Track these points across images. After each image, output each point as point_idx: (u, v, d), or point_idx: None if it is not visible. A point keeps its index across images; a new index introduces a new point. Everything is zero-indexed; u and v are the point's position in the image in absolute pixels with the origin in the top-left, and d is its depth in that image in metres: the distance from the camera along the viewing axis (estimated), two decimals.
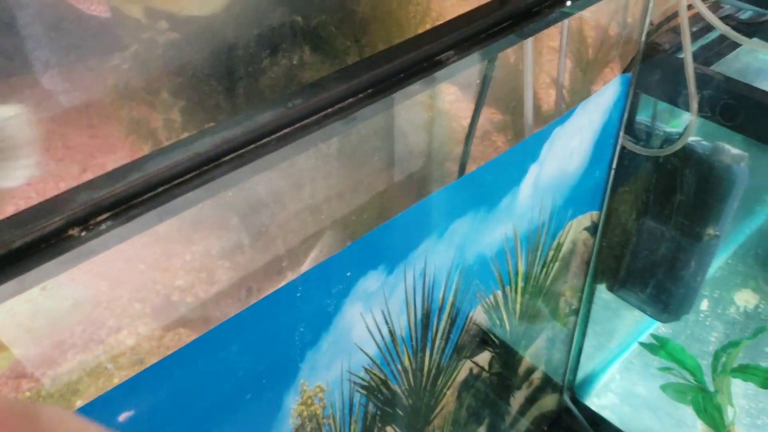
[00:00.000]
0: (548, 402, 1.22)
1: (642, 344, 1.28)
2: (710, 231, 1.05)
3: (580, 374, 1.31)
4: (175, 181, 0.46)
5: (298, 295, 0.60)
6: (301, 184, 0.90)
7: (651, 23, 0.80)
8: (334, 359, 0.69)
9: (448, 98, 1.21)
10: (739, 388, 1.20)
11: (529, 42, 0.70)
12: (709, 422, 1.14)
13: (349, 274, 0.64)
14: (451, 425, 0.96)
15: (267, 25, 0.73)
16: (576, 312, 1.09)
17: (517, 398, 1.11)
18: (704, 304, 1.48)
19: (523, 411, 1.15)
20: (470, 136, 0.72)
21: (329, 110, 0.50)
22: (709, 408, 1.14)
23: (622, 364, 1.38)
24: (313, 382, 0.69)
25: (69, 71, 0.85)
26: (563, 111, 0.78)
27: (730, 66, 0.88)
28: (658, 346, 1.25)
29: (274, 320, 0.60)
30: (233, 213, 0.89)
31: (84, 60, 0.93)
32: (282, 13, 0.70)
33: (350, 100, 0.51)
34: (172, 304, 1.14)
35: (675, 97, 0.85)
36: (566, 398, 1.24)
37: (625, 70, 0.86)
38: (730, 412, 1.18)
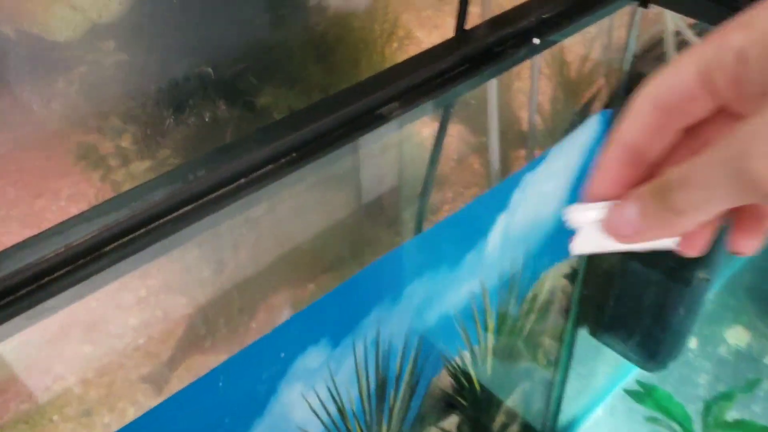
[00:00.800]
0: None
1: (627, 392, 1.20)
2: (701, 275, 0.96)
3: (562, 420, 1.23)
4: (47, 278, 0.37)
5: (220, 384, 0.51)
6: (220, 260, 0.80)
7: (634, 55, 0.72)
8: None
9: (417, 138, 1.11)
10: None
11: (492, 84, 0.61)
12: None
13: (282, 354, 0.55)
14: None
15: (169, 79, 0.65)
16: (556, 361, 1.01)
17: None
18: (693, 342, 1.39)
19: None
20: (426, 190, 0.63)
21: (242, 181, 0.41)
22: None
23: (605, 409, 1.30)
24: None
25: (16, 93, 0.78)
26: (536, 154, 0.70)
27: None
28: (644, 394, 1.16)
29: (191, 416, 0.51)
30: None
31: (31, 82, 0.84)
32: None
33: (269, 167, 0.42)
34: (124, 347, 1.04)
35: None
36: None
37: (607, 105, 0.77)
38: None
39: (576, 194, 0.78)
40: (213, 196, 0.40)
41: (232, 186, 0.41)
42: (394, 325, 0.65)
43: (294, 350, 0.56)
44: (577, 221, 0.29)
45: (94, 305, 0.88)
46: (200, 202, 0.40)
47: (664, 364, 1.05)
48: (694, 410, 1.20)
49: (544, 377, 1.02)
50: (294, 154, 0.43)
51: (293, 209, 0.89)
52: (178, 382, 1.04)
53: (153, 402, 0.99)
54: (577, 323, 1.03)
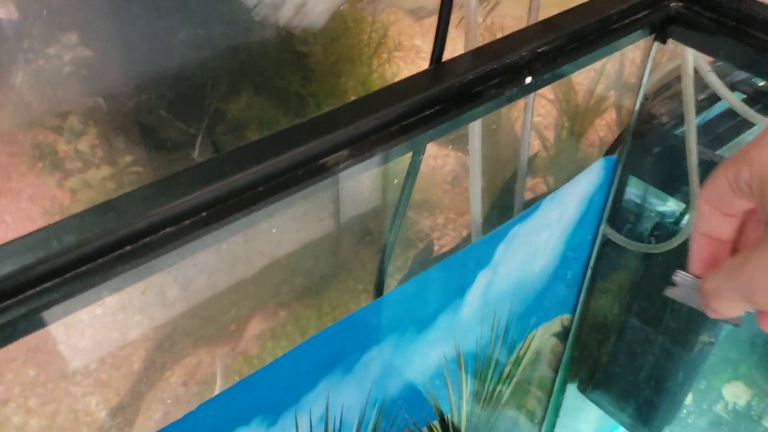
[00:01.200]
0: None
1: None
2: (704, 338, 0.87)
3: None
4: None
5: None
6: (184, 281, 0.71)
7: (645, 96, 0.62)
8: None
9: (429, 164, 1.02)
10: None
11: (475, 128, 0.52)
12: None
13: None
14: None
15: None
16: (540, 421, 0.91)
17: None
18: (688, 398, 1.29)
19: None
20: (388, 248, 0.53)
21: (128, 248, 0.32)
22: None
23: None
24: None
25: None
26: (524, 204, 0.60)
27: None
28: None
29: None
30: None
31: None
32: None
33: (170, 228, 0.33)
34: (72, 372, 0.95)
35: (672, 185, 0.67)
36: None
37: (609, 149, 0.68)
38: None
39: (571, 248, 0.68)
40: (148, 239, 0.31)
41: (105, 258, 0.31)
42: (347, 397, 0.55)
43: None
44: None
45: None
46: (143, 242, 0.31)
47: (658, 430, 0.95)
48: None
49: None
50: (204, 213, 0.34)
51: (264, 231, 0.80)
52: (126, 417, 0.94)
53: None
54: (567, 378, 0.93)
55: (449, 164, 1.01)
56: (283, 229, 0.82)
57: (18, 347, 0.76)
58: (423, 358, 0.60)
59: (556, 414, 0.95)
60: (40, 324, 0.30)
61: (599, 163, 0.64)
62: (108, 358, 0.95)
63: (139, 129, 0.91)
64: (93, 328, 0.90)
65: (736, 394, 1.26)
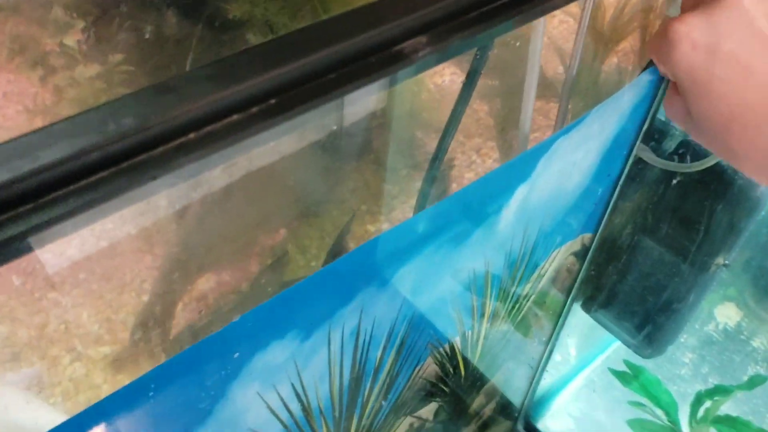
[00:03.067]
0: (499, 429, 1.04)
1: (612, 371, 1.11)
2: (720, 260, 0.85)
3: (539, 393, 1.14)
4: None
5: (150, 395, 0.38)
6: (182, 198, 0.67)
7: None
8: None
9: (436, 83, 0.97)
10: None
11: (540, 24, 0.47)
12: None
13: (236, 355, 0.42)
14: None
15: None
16: (547, 341, 0.90)
17: None
18: None
19: None
20: (437, 160, 0.49)
21: (192, 136, 0.28)
22: None
23: (584, 383, 1.21)
24: None
25: None
26: (568, 117, 0.57)
27: None
28: (631, 376, 1.07)
29: (112, 430, 0.38)
30: None
31: None
32: None
33: (237, 116, 0.29)
34: (59, 281, 0.91)
35: None
36: (520, 426, 1.07)
37: (650, 63, 0.64)
38: None
39: (606, 163, 0.65)
40: (211, 128, 0.27)
41: (173, 144, 0.27)
42: (379, 311, 0.52)
43: (252, 348, 0.43)
44: None
45: None
46: (129, 163, 0.26)
47: (662, 351, 0.95)
48: (678, 394, 1.12)
49: (531, 354, 0.92)
50: (272, 101, 0.30)
51: (264, 148, 0.75)
52: (122, 326, 0.91)
53: (91, 352, 0.85)
54: (574, 300, 0.92)
55: (456, 83, 0.96)
56: (283, 146, 0.77)
57: None
58: (454, 274, 0.58)
59: (559, 333, 0.94)
60: (92, 219, 0.26)
61: (645, 75, 0.60)
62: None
63: (131, 24, 0.84)
64: (80, 237, 0.86)
65: (727, 315, 1.28)
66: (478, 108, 0.89)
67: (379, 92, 0.75)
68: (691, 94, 0.44)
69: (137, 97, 0.27)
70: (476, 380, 0.79)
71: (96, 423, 0.36)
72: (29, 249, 0.26)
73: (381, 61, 0.32)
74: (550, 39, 0.77)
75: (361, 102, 0.74)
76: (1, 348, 0.78)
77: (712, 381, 1.18)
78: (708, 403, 1.03)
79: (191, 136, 0.28)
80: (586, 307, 0.97)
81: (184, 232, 0.77)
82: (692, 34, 0.42)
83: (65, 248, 0.83)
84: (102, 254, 0.85)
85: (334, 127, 0.78)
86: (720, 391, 1.04)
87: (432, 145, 0.92)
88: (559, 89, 0.83)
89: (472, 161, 0.88)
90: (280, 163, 0.77)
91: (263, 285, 0.71)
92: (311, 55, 0.30)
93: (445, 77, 0.92)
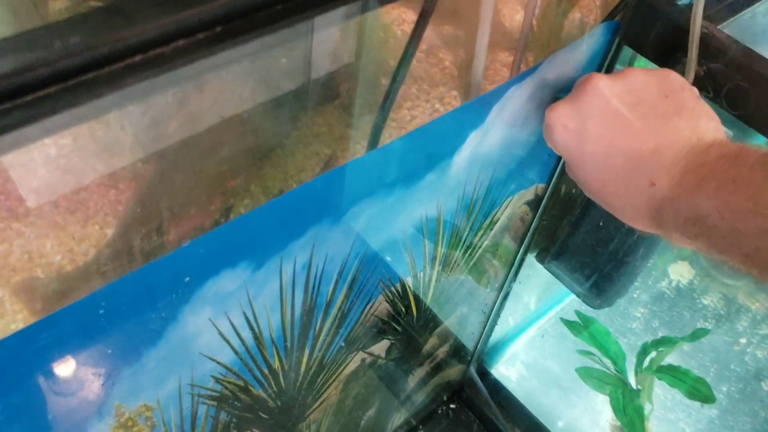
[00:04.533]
0: (452, 373, 1.08)
1: (564, 321, 1.15)
2: None
3: (492, 339, 1.18)
4: None
5: (101, 312, 0.40)
6: (141, 129, 0.67)
7: None
8: (168, 374, 0.50)
9: (404, 30, 0.96)
10: (665, 389, 1.09)
11: None
12: (627, 424, 1.02)
13: (187, 279, 0.44)
14: (332, 416, 0.80)
15: None
16: (500, 288, 0.93)
17: (417, 374, 0.96)
18: None
19: (421, 385, 1.01)
20: (389, 98, 0.51)
21: (139, 58, 0.29)
22: (629, 409, 1.02)
23: (537, 332, 1.25)
24: (135, 403, 0.50)
25: None
26: (521, 65, 0.58)
27: (745, 29, 0.69)
28: (581, 326, 1.11)
29: (63, 344, 0.40)
30: None
31: None
32: None
33: (183, 41, 0.30)
34: (22, 212, 0.91)
35: (668, 59, 0.66)
36: (472, 369, 1.11)
37: (608, 16, 0.65)
38: (647, 408, 1.07)
39: None
40: (160, 51, 0.28)
41: (120, 64, 0.28)
42: (331, 247, 0.54)
43: (203, 273, 0.45)
44: None
45: None
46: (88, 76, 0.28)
47: (612, 302, 0.99)
48: (627, 346, 1.17)
49: (484, 300, 0.95)
50: (218, 29, 0.31)
51: (226, 84, 0.75)
52: (84, 257, 0.92)
53: (55, 280, 0.86)
54: (528, 248, 0.95)
55: (426, 32, 0.96)
56: (247, 83, 0.77)
57: None
58: (406, 215, 0.60)
59: (513, 281, 0.98)
60: (42, 133, 0.28)
61: (600, 27, 0.62)
62: (62, 201, 0.91)
63: None
64: (46, 169, 0.86)
65: (680, 273, 1.32)
66: (444, 57, 0.90)
67: (347, 43, 0.76)
68: (570, 165, 0.54)
69: (86, 17, 0.28)
70: (429, 321, 0.82)
71: (48, 333, 0.38)
72: None
73: None
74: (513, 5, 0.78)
75: (330, 55, 0.75)
76: None
77: (660, 334, 1.22)
78: (653, 353, 1.08)
79: (137, 58, 0.29)
80: (540, 258, 1.00)
81: (151, 172, 0.78)
82: (563, 120, 0.53)
83: (30, 180, 0.84)
84: (67, 187, 0.86)
85: (302, 80, 0.79)
86: (665, 342, 1.09)
87: (405, 96, 0.93)
88: (516, 38, 0.85)
89: (435, 109, 0.89)
90: (247, 112, 0.78)
91: (223, 222, 0.73)
92: None
93: (413, 25, 0.92)
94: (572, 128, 0.52)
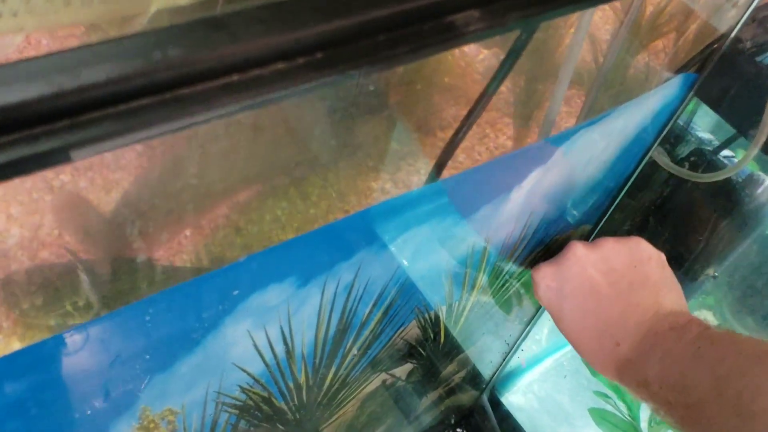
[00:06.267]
0: (464, 398, 1.06)
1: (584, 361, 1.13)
2: (710, 271, 0.86)
3: (506, 369, 1.16)
4: None
5: (147, 319, 0.39)
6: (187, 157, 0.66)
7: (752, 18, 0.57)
8: (198, 381, 0.49)
9: (462, 49, 0.95)
10: None
11: (589, 11, 0.46)
12: None
13: (236, 292, 0.43)
14: (344, 430, 0.78)
15: None
16: (528, 321, 0.91)
17: (430, 397, 0.94)
18: None
19: (431, 407, 0.99)
20: (462, 132, 0.49)
21: (236, 77, 0.27)
22: None
23: (553, 365, 1.24)
24: (161, 407, 0.49)
25: None
26: (596, 109, 0.56)
27: None
28: None
29: (105, 346, 0.39)
30: None
31: None
32: None
33: (282, 64, 0.28)
34: (58, 185, 0.91)
35: (743, 121, 0.64)
36: (484, 397, 1.09)
37: (681, 68, 0.63)
38: None
39: (622, 160, 0.65)
40: (259, 71, 0.27)
41: (217, 82, 0.27)
42: (375, 271, 0.53)
43: (252, 287, 0.44)
44: None
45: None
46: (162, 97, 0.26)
47: None
48: None
49: (509, 332, 0.94)
50: (318, 55, 0.29)
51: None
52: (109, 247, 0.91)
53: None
54: None
55: (483, 53, 0.94)
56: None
57: None
58: (454, 246, 0.58)
59: (540, 315, 0.96)
60: (125, 144, 0.26)
61: (679, 79, 0.60)
62: (98, 179, 0.90)
63: None
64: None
65: (707, 320, 1.30)
66: (507, 85, 0.89)
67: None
68: (553, 317, 0.61)
69: (189, 29, 0.27)
70: (453, 349, 0.81)
71: (89, 339, 0.36)
72: (68, 159, 0.26)
73: (432, 30, 0.32)
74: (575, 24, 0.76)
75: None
76: None
77: None
78: None
79: (235, 77, 0.27)
80: None
81: (188, 159, 0.76)
82: (545, 280, 0.61)
83: None
84: (104, 165, 0.84)
85: (354, 81, 0.78)
86: None
87: (449, 111, 0.91)
88: (583, 77, 0.83)
89: (486, 134, 0.88)
90: (293, 108, 0.77)
91: (257, 221, 0.72)
92: (364, 13, 0.30)
93: (471, 45, 0.91)
94: (554, 287, 0.60)
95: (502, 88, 0.88)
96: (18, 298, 0.58)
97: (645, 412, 1.08)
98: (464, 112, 0.89)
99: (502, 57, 0.74)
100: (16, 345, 0.62)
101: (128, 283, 0.76)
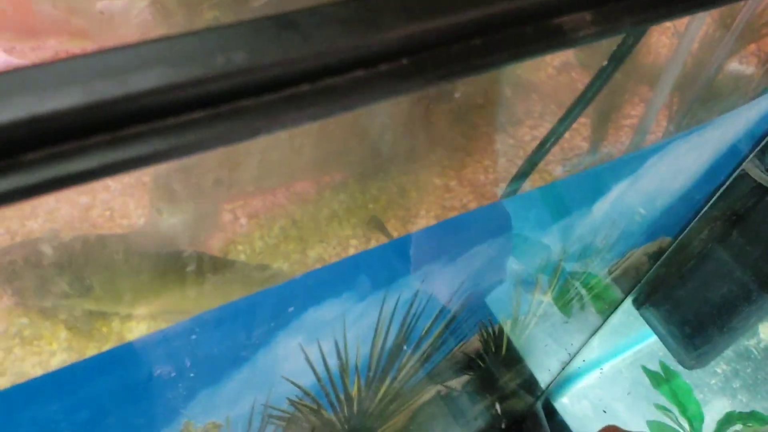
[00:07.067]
0: (518, 404, 1.02)
1: (646, 370, 1.07)
2: None
3: (565, 373, 1.11)
4: None
5: (193, 338, 0.35)
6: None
7: None
8: (245, 395, 0.46)
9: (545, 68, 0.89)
10: None
11: (699, 16, 0.41)
12: None
13: (291, 309, 0.39)
14: None
15: None
16: (592, 332, 0.86)
17: (483, 403, 0.90)
18: None
19: (484, 412, 0.95)
20: (549, 142, 0.44)
21: (306, 87, 0.23)
22: None
23: (611, 372, 1.18)
24: (204, 421, 0.46)
25: None
26: (689, 118, 0.51)
27: None
28: (663, 379, 1.03)
29: (148, 363, 0.35)
30: None
31: None
32: None
33: (361, 72, 0.24)
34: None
35: None
36: (539, 404, 1.04)
37: None
38: None
39: (711, 172, 0.59)
40: (332, 81, 0.23)
41: (285, 92, 0.23)
42: (438, 286, 0.49)
43: (307, 303, 0.40)
44: None
45: None
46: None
47: (705, 364, 0.91)
48: (705, 406, 1.08)
49: (571, 341, 0.89)
50: (404, 61, 0.25)
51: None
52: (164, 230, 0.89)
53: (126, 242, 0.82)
54: (630, 292, 0.87)
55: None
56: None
57: None
58: (528, 260, 0.53)
59: (604, 325, 0.90)
60: (170, 157, 0.22)
61: None
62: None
63: None
64: None
65: None
66: (583, 82, 0.83)
67: None
68: None
69: (256, 28, 0.22)
70: (513, 360, 0.76)
71: (131, 359, 0.33)
72: (103, 176, 0.23)
73: (536, 33, 0.27)
74: (677, 31, 0.70)
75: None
76: (43, 222, 0.76)
77: (741, 398, 1.13)
78: (738, 427, 0.99)
79: (305, 87, 0.23)
80: (637, 302, 0.93)
81: (247, 151, 0.73)
82: None
83: None
84: None
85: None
86: (755, 418, 1.00)
87: (519, 107, 0.86)
88: (682, 85, 0.76)
89: (574, 144, 0.82)
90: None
91: (314, 214, 0.68)
92: (459, 13, 0.25)
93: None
94: None
95: (579, 85, 0.82)
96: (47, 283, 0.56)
97: (708, 426, 1.02)
98: (537, 108, 0.84)
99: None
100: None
101: (175, 277, 0.74)
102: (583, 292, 0.69)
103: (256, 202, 0.81)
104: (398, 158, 0.81)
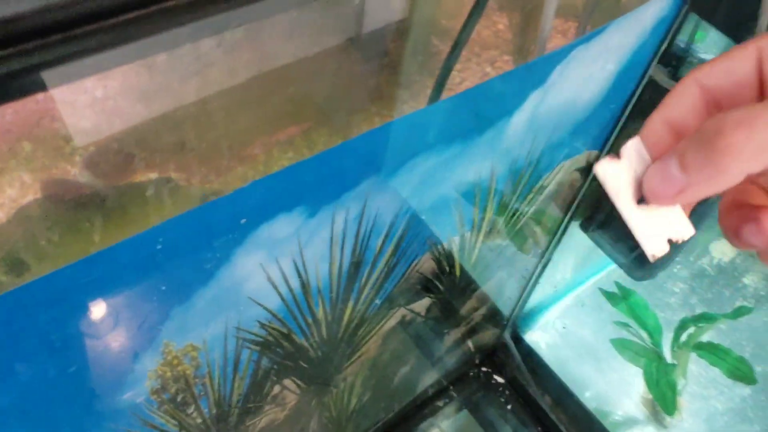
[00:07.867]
0: (486, 336, 1.08)
1: (603, 291, 1.14)
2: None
3: (528, 305, 1.17)
4: None
5: (159, 248, 0.40)
6: (187, 74, 0.67)
7: None
8: (216, 316, 0.51)
9: None
10: (699, 366, 1.08)
11: None
12: (659, 398, 1.01)
13: (244, 221, 0.44)
14: (367, 370, 0.80)
15: None
16: (541, 255, 0.92)
17: (452, 336, 0.96)
18: None
19: (454, 347, 1.01)
20: (456, 49, 0.49)
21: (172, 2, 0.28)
22: (662, 383, 1.01)
23: (573, 300, 1.25)
24: (183, 342, 0.51)
25: None
26: (588, 26, 0.56)
27: None
28: (620, 297, 1.10)
29: (119, 277, 0.40)
30: None
31: None
32: None
33: None
34: (68, 152, 0.93)
35: (738, 28, 0.63)
36: (506, 334, 1.11)
37: None
38: (680, 383, 1.06)
39: (620, 80, 0.65)
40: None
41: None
42: (383, 201, 0.54)
43: (260, 216, 0.45)
44: (609, 177, 0.28)
45: (39, 97, 0.75)
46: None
47: (654, 275, 0.98)
48: (664, 320, 1.16)
49: (525, 266, 0.95)
50: None
51: (275, 36, 0.75)
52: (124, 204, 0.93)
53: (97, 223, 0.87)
54: (572, 217, 0.93)
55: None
56: (295, 38, 0.76)
57: (13, 119, 0.73)
58: (459, 175, 0.59)
59: (555, 249, 0.97)
60: (90, 70, 0.27)
61: None
62: (112, 143, 0.92)
63: None
64: (93, 110, 0.87)
65: (722, 251, 1.30)
66: (497, 20, 0.88)
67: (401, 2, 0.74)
68: None
69: None
70: (469, 283, 0.82)
71: (105, 266, 0.38)
72: (42, 86, 0.27)
73: None
74: None
75: (383, 9, 0.74)
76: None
77: (698, 311, 1.21)
78: (692, 329, 1.06)
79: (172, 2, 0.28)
80: (584, 227, 0.99)
81: (195, 117, 0.78)
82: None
83: (78, 120, 0.85)
84: (113, 128, 0.87)
85: (352, 34, 0.78)
86: (705, 318, 1.07)
87: (445, 52, 0.91)
88: (578, 8, 0.82)
89: (486, 73, 0.88)
90: (294, 65, 0.77)
91: (263, 172, 0.73)
92: None
93: None
94: None
95: (500, 25, 0.88)
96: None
97: (666, 337, 1.10)
98: (463, 53, 0.89)
99: None
100: None
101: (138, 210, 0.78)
102: (523, 210, 0.75)
103: (205, 169, 0.86)
104: (336, 112, 0.86)
